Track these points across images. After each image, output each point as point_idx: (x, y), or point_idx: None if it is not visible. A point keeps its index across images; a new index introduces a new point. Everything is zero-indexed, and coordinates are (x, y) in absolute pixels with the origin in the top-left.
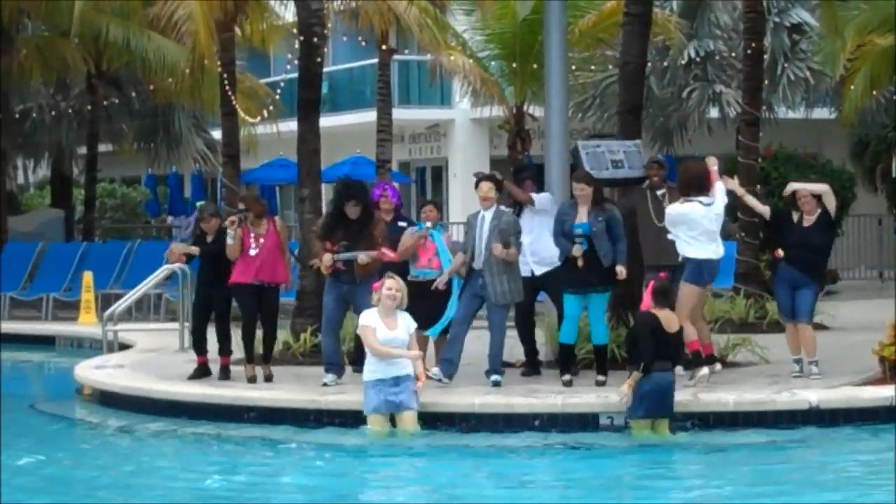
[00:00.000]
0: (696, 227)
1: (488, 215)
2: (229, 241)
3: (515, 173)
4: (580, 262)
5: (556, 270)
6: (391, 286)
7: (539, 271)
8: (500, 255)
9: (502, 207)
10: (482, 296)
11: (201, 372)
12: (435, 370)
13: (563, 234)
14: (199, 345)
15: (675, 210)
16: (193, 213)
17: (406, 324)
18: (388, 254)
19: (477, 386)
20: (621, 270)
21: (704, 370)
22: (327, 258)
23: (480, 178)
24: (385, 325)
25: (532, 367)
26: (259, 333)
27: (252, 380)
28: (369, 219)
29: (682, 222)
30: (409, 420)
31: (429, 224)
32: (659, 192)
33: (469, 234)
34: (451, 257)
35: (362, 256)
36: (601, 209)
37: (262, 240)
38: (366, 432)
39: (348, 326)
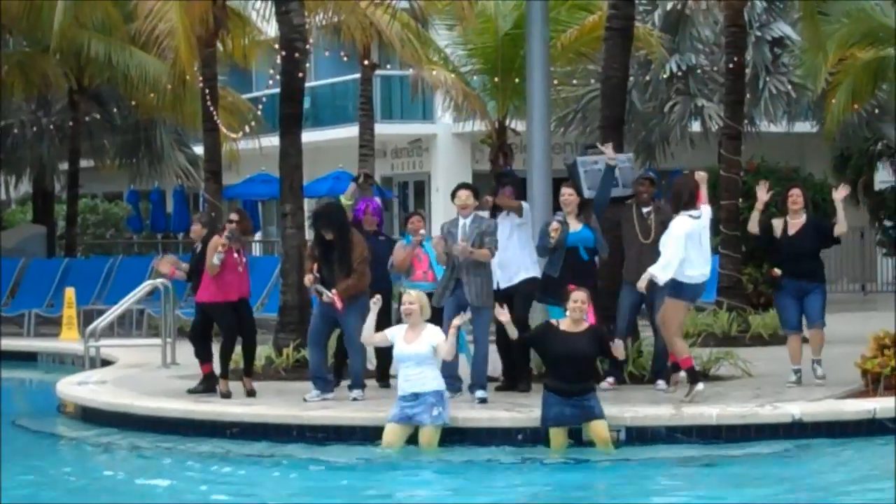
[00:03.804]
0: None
1: (467, 222)
2: (215, 261)
3: (496, 179)
4: (554, 235)
5: (528, 282)
6: (405, 300)
7: (504, 284)
8: (464, 254)
9: (480, 213)
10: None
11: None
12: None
13: (553, 247)
14: (203, 356)
15: (682, 229)
16: None
17: (429, 338)
18: (338, 303)
19: (460, 402)
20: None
21: (699, 386)
22: (307, 279)
23: (459, 186)
24: (404, 339)
25: (511, 381)
26: (238, 349)
27: (227, 395)
28: (347, 244)
29: (690, 240)
30: (425, 435)
31: (423, 232)
32: (645, 210)
33: (448, 242)
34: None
35: (325, 297)
36: (587, 219)
37: (242, 258)
38: (369, 446)
39: (332, 341)
